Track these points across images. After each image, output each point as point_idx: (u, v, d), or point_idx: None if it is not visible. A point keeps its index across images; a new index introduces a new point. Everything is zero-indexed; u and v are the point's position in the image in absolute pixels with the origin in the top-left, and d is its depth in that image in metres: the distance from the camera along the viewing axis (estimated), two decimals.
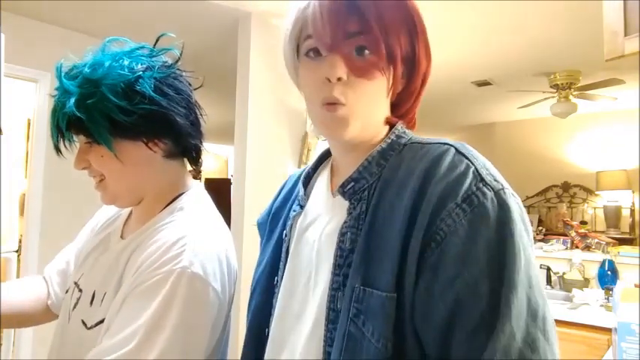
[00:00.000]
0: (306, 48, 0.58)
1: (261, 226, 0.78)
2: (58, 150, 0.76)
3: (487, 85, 4.28)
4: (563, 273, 2.66)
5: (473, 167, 0.50)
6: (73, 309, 0.78)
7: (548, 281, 2.68)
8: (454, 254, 0.47)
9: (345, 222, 0.57)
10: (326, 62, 0.55)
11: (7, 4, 2.51)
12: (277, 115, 2.78)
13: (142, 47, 0.78)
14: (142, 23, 2.83)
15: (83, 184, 0.85)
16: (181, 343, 0.63)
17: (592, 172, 5.34)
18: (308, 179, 0.71)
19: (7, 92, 2.22)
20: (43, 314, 0.92)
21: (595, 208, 5.41)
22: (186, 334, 0.64)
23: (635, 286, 2.21)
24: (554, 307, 2.21)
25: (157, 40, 0.80)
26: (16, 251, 2.84)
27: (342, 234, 0.56)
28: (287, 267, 0.65)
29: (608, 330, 1.98)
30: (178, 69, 0.79)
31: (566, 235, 3.04)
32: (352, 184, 0.59)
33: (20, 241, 2.83)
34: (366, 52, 0.55)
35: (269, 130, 2.75)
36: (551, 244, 3.00)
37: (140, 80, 0.71)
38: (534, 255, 0.49)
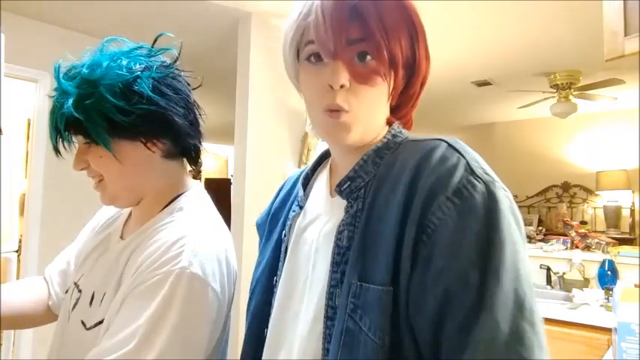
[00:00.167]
0: (307, 53, 0.57)
1: (260, 226, 0.78)
2: (57, 151, 0.76)
3: (487, 85, 4.28)
4: (563, 273, 2.66)
5: (464, 160, 0.50)
6: (73, 309, 0.78)
7: (548, 281, 2.68)
8: (443, 246, 0.47)
9: (342, 220, 0.57)
10: (328, 69, 0.55)
11: (7, 4, 2.51)
12: (277, 115, 2.78)
13: (140, 47, 0.78)
14: (142, 23, 2.84)
15: (83, 184, 0.84)
16: (181, 343, 0.63)
17: (592, 172, 5.34)
18: (307, 180, 0.71)
19: (7, 92, 2.22)
20: (45, 315, 0.92)
21: (595, 208, 5.41)
22: (185, 335, 0.64)
23: (635, 286, 2.21)
24: (554, 307, 2.21)
25: (155, 40, 0.80)
26: (16, 251, 2.84)
27: (339, 232, 0.57)
28: (285, 266, 0.65)
29: (608, 330, 1.98)
30: (177, 69, 0.79)
31: (566, 235, 3.04)
32: (349, 183, 0.59)
33: (20, 241, 2.83)
34: (368, 57, 0.55)
35: (269, 130, 2.75)
36: (551, 244, 3.00)
37: (138, 80, 0.71)
38: (525, 248, 0.49)
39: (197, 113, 0.81)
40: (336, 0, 0.54)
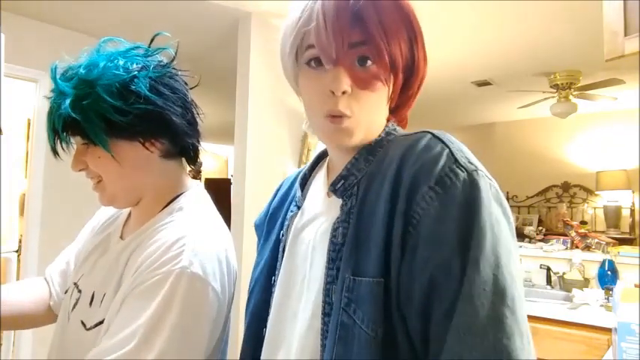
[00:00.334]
0: (307, 57, 0.57)
1: (258, 227, 0.78)
2: (55, 152, 0.75)
3: (487, 85, 4.28)
4: (563, 273, 2.65)
5: (447, 149, 0.51)
6: (72, 310, 0.78)
7: (548, 281, 2.68)
8: (427, 235, 0.48)
9: (337, 218, 0.58)
10: (330, 75, 0.55)
11: (7, 4, 2.51)
12: (277, 115, 2.78)
13: (137, 47, 0.78)
14: (141, 23, 2.83)
15: (83, 185, 0.84)
16: (181, 343, 0.63)
17: (592, 172, 5.33)
18: (305, 180, 0.71)
19: (7, 92, 2.22)
20: (45, 315, 0.91)
21: (595, 208, 5.40)
22: (185, 334, 0.64)
23: (635, 286, 2.21)
24: (554, 307, 2.21)
25: (152, 40, 0.80)
26: (16, 251, 2.84)
27: (334, 229, 0.57)
28: (283, 266, 0.65)
29: (608, 330, 1.98)
30: (174, 68, 0.79)
31: (566, 235, 3.04)
32: (342, 181, 0.60)
33: (20, 241, 2.83)
34: (369, 62, 0.55)
35: (269, 130, 2.75)
36: (551, 244, 3.00)
37: (135, 80, 0.71)
38: (512, 237, 0.49)
39: (195, 112, 0.81)
40: (338, 4, 0.53)
